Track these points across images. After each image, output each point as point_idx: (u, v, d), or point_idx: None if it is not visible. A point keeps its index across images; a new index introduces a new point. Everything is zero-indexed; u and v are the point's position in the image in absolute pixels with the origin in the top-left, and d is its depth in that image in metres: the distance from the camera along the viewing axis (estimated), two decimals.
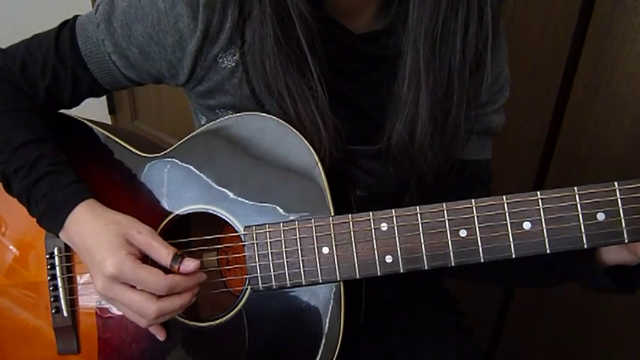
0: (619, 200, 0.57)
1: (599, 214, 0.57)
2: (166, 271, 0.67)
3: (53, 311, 0.79)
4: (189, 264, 0.67)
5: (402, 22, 0.67)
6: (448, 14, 0.64)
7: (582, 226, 0.58)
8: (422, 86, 0.67)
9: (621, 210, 0.57)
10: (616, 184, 0.57)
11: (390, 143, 0.71)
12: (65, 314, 0.79)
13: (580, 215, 0.58)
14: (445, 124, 0.70)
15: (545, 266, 0.71)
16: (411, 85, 0.68)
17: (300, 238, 0.65)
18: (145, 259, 0.69)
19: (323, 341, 0.67)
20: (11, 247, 0.82)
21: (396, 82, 0.69)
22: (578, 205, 0.58)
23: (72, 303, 0.79)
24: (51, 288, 0.79)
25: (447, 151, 0.72)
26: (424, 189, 0.74)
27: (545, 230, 0.59)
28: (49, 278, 0.79)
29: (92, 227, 0.68)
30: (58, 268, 0.78)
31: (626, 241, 0.57)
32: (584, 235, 0.58)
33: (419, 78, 0.67)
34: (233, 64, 0.71)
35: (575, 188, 0.58)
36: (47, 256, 0.79)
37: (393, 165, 0.74)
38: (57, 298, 0.79)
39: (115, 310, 0.76)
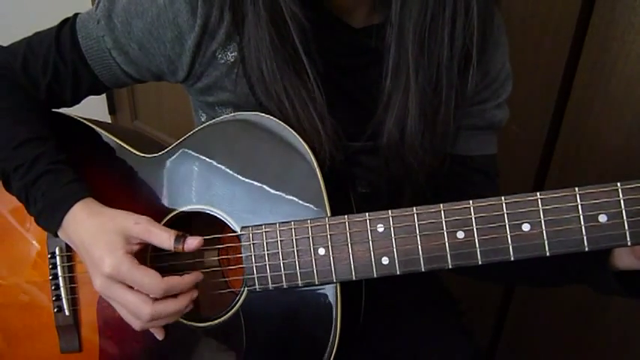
0: (622, 202, 0.55)
1: (600, 215, 0.56)
2: (163, 274, 0.67)
3: (55, 310, 0.80)
4: (193, 241, 0.68)
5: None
6: (436, 9, 0.63)
7: (583, 228, 0.56)
8: (411, 83, 0.67)
9: (624, 212, 0.55)
10: (618, 184, 0.55)
11: (381, 141, 0.71)
12: (67, 313, 0.79)
13: (581, 217, 0.56)
14: (435, 121, 0.69)
15: (558, 269, 0.70)
16: (399, 83, 0.68)
17: (296, 238, 0.65)
18: (144, 255, 0.69)
19: (320, 342, 0.67)
20: (19, 244, 0.83)
21: (386, 79, 0.69)
22: (579, 206, 0.56)
23: (74, 302, 0.79)
24: (53, 287, 0.79)
25: (438, 149, 0.72)
26: (416, 188, 0.74)
27: (544, 232, 0.57)
28: (50, 277, 0.79)
29: (89, 225, 0.69)
30: (59, 268, 0.79)
31: (629, 244, 0.56)
32: (585, 238, 0.56)
33: (407, 75, 0.67)
34: (232, 60, 0.71)
35: (576, 189, 0.56)
36: (49, 256, 0.79)
37: (385, 164, 0.74)
38: (59, 297, 0.79)
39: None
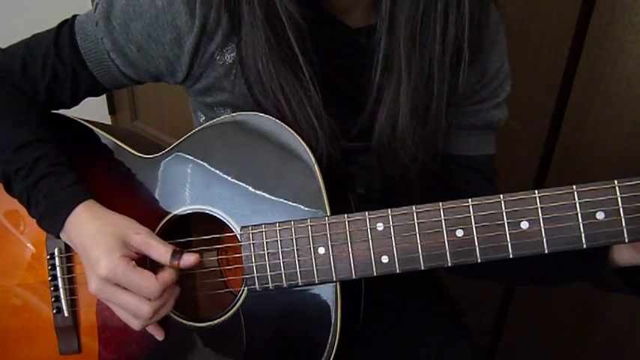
0: (619, 199, 0.55)
1: (598, 213, 0.56)
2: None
3: (54, 311, 0.80)
4: (189, 258, 0.68)
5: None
6: (428, 2, 0.64)
7: (581, 225, 0.57)
8: (402, 77, 0.67)
9: (621, 209, 0.55)
10: (616, 182, 0.56)
11: (373, 137, 0.71)
12: (66, 314, 0.79)
13: (579, 214, 0.57)
14: (426, 116, 0.70)
15: (557, 268, 0.70)
16: (391, 77, 0.68)
17: (296, 238, 0.65)
18: (142, 261, 0.69)
19: (320, 342, 0.67)
20: (18, 246, 0.83)
21: (376, 73, 0.69)
22: (577, 203, 0.57)
23: (73, 303, 0.79)
24: (52, 288, 0.79)
25: (429, 145, 0.72)
26: (412, 187, 0.74)
27: (543, 230, 0.58)
28: (50, 279, 0.79)
29: (90, 228, 0.69)
30: (58, 269, 0.79)
31: (627, 240, 0.56)
32: (583, 235, 0.57)
33: (399, 69, 0.67)
34: (230, 61, 0.72)
35: (574, 187, 0.57)
36: (48, 257, 0.79)
37: (377, 160, 0.74)
38: (58, 299, 0.79)
39: None
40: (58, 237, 0.73)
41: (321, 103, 0.68)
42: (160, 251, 0.68)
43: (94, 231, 0.68)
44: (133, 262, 0.67)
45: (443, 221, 0.60)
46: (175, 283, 0.70)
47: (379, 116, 0.70)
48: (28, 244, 0.82)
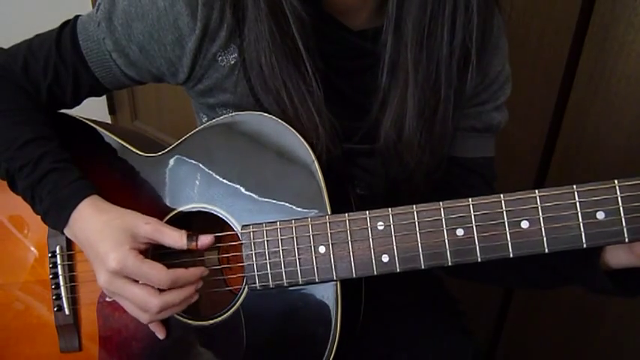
0: (619, 198, 0.56)
1: (598, 212, 0.56)
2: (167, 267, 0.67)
3: (55, 309, 0.80)
4: (205, 239, 0.69)
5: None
6: (436, 5, 0.64)
7: (581, 225, 0.57)
8: (409, 81, 0.67)
9: (621, 208, 0.56)
10: (616, 181, 0.56)
11: (378, 141, 0.71)
12: (67, 312, 0.79)
13: (579, 214, 0.57)
14: (433, 120, 0.70)
15: (550, 270, 0.70)
16: (398, 81, 0.68)
17: (296, 237, 0.65)
18: (146, 254, 0.69)
19: (320, 340, 0.67)
20: (19, 244, 0.83)
21: (382, 76, 0.69)
22: (577, 203, 0.57)
23: (74, 301, 0.79)
24: (53, 286, 0.79)
25: (435, 149, 0.72)
26: (413, 190, 0.74)
27: (543, 229, 0.58)
28: (51, 277, 0.79)
29: (96, 222, 0.69)
30: (59, 267, 0.79)
31: (627, 240, 0.56)
32: (583, 235, 0.57)
33: (406, 72, 0.67)
34: (232, 62, 0.72)
35: (574, 186, 0.57)
36: (49, 255, 0.79)
37: (382, 164, 0.74)
38: (59, 297, 0.79)
39: (117, 309, 0.76)
40: (63, 233, 0.73)
41: (323, 100, 0.68)
42: (174, 236, 0.68)
43: (100, 225, 0.69)
44: (141, 255, 0.68)
45: (443, 220, 0.60)
46: (194, 290, 0.70)
47: (385, 120, 0.70)
48: (29, 243, 0.82)
